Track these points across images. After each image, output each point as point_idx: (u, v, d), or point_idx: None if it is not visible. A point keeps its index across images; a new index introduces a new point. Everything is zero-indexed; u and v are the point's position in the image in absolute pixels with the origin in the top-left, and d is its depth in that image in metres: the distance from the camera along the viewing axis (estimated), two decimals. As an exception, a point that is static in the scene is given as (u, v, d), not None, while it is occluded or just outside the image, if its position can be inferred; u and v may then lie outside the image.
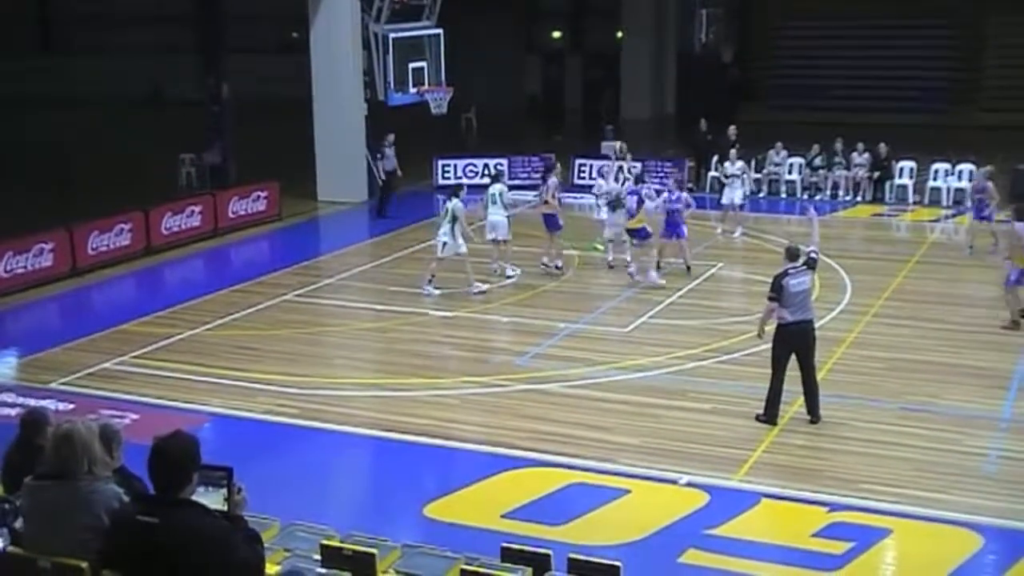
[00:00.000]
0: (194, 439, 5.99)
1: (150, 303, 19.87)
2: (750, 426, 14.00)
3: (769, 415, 13.95)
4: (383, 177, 27.36)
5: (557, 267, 21.15)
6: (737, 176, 24.83)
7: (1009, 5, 39.33)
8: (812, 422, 13.91)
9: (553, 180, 21.46)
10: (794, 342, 13.80)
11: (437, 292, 19.71)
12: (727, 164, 25.35)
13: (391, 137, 27.06)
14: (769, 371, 13.97)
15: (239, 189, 26.57)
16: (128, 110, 42.69)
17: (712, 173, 28.87)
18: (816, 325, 14.10)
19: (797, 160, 29.21)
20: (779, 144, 29.32)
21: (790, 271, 13.69)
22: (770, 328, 14.11)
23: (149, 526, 5.79)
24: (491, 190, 20.98)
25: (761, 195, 28.83)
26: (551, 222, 21.11)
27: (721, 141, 28.01)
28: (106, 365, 16.58)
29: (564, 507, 11.91)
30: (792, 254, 13.91)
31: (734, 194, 24.68)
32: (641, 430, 14.06)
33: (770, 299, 13.78)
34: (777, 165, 29.09)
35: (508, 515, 11.71)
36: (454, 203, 19.52)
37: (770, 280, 13.87)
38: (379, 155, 27.42)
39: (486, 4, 37.68)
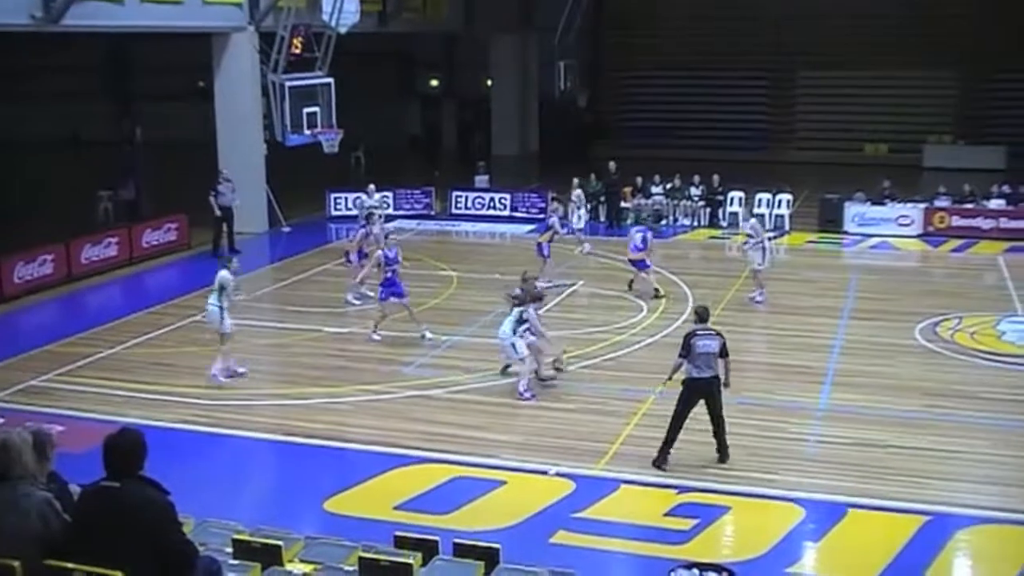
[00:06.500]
0: (139, 432, 6.05)
1: (73, 325, 19.22)
2: (609, 422, 14.11)
3: (661, 458, 12.64)
4: (218, 212, 24.85)
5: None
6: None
7: (815, 62, 40.91)
8: (720, 460, 12.75)
9: (553, 219, 21.80)
10: (701, 393, 12.65)
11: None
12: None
13: (226, 172, 25.59)
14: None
15: (152, 222, 25.91)
16: (50, 152, 41.37)
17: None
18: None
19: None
20: (656, 176, 29.35)
21: (698, 332, 12.62)
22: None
23: (110, 490, 5.82)
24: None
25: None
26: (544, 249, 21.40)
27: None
28: (33, 382, 16.01)
29: (449, 498, 11.86)
30: (701, 315, 12.90)
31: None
32: (514, 428, 14.09)
33: (680, 356, 12.61)
34: (656, 195, 29.12)
35: (399, 507, 11.63)
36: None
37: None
38: (213, 191, 24.95)
39: (371, 56, 37.59)
